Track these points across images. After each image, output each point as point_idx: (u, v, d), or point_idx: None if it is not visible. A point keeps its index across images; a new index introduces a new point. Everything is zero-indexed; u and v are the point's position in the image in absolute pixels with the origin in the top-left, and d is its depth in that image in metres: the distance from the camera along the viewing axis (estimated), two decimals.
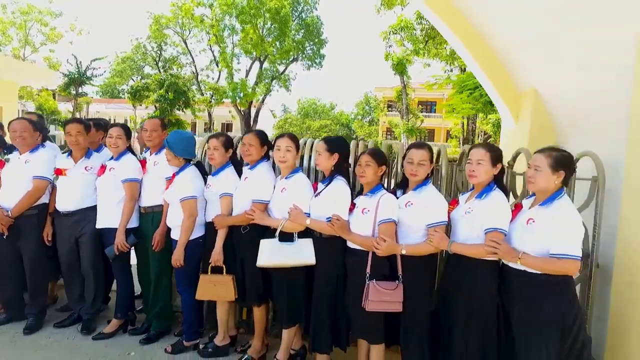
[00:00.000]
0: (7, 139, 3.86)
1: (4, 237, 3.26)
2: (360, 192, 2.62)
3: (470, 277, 2.24)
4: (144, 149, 3.79)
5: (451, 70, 14.96)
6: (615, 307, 2.58)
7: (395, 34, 14.21)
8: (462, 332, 2.25)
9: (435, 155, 2.64)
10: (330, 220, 2.50)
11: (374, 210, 2.43)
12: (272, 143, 2.85)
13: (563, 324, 2.03)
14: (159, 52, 34.81)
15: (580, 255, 1.98)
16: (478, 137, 18.69)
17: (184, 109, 23.18)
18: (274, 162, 2.97)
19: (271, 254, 2.61)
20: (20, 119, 3.44)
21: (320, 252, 2.59)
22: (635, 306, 2.41)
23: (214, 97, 29.33)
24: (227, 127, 40.46)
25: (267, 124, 43.61)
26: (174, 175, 3.11)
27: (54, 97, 29.42)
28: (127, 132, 3.37)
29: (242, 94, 29.47)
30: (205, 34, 31.86)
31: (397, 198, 2.50)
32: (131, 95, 24.61)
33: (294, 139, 2.79)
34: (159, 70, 33.90)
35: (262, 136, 2.92)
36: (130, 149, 3.39)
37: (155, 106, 25.16)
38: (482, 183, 2.30)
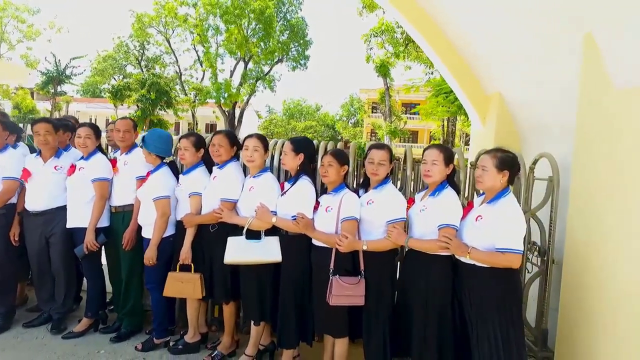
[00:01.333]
0: None
1: None
2: (325, 192, 2.72)
3: (426, 271, 2.36)
4: (113, 149, 3.82)
5: (432, 73, 15.22)
6: (565, 299, 2.73)
7: (376, 36, 14.41)
8: (421, 323, 2.36)
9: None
10: (295, 219, 2.58)
11: (337, 208, 2.52)
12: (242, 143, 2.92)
13: (508, 310, 2.16)
14: (141, 51, 34.37)
15: (522, 250, 2.12)
16: (460, 138, 19.04)
17: (166, 109, 22.97)
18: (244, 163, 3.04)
19: (238, 251, 2.68)
20: None
21: (287, 249, 2.67)
22: (582, 299, 2.56)
23: (197, 97, 29.13)
24: (211, 127, 40.17)
25: (252, 124, 43.47)
26: (148, 174, 3.16)
27: (32, 96, 28.79)
28: (96, 131, 3.39)
29: (226, 95, 29.35)
30: (189, 33, 31.64)
31: (360, 197, 2.60)
32: (112, 95, 24.25)
33: (262, 139, 2.86)
34: (142, 70, 33.47)
35: (231, 137, 2.98)
36: (100, 149, 3.42)
37: (137, 106, 24.91)
38: (436, 182, 2.41)
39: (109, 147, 4.10)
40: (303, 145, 2.72)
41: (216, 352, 3.01)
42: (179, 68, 33.07)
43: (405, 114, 31.43)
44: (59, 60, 20.54)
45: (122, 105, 25.57)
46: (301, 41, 32.71)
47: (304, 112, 52.76)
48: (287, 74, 55.53)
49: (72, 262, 3.45)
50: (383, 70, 21.71)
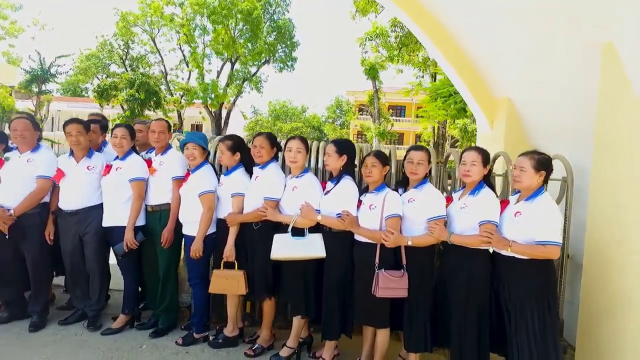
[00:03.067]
0: None
1: (6, 236, 3.28)
2: (365, 190, 2.88)
3: (467, 264, 2.55)
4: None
5: (422, 77, 15.59)
6: (585, 295, 2.93)
7: (371, 40, 14.71)
8: (460, 314, 2.55)
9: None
10: (340, 216, 2.74)
11: (381, 206, 2.69)
12: (284, 145, 3.06)
13: (545, 299, 2.37)
14: (126, 50, 33.82)
15: (561, 242, 2.33)
16: (447, 141, 19.47)
17: (155, 110, 22.68)
18: (282, 163, 3.18)
19: (285, 248, 2.82)
20: (20, 118, 3.47)
21: (330, 245, 2.82)
22: (603, 294, 2.76)
23: (184, 98, 28.88)
24: (197, 128, 39.81)
25: (237, 125, 43.24)
26: (188, 174, 3.27)
27: (11, 95, 27.95)
28: (132, 132, 3.47)
29: (213, 95, 29.21)
30: (175, 33, 31.33)
31: (400, 195, 2.78)
32: (98, 94, 23.80)
33: (304, 141, 3.02)
34: (126, 69, 32.93)
35: (271, 138, 3.12)
36: (134, 149, 3.50)
37: (122, 106, 24.45)
38: (475, 182, 2.61)
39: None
40: (346, 147, 2.88)
41: (257, 345, 3.14)
42: (165, 68, 32.68)
43: (392, 116, 31.86)
44: (44, 58, 20.06)
45: (107, 104, 25.10)
46: (288, 42, 32.82)
47: (290, 113, 52.77)
48: (274, 75, 55.54)
49: (106, 260, 3.52)
50: (372, 73, 22.03)
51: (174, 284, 3.43)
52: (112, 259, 3.50)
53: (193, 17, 30.20)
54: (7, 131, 3.86)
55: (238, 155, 3.18)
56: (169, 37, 32.42)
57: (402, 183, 2.86)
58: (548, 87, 3.96)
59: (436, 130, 15.81)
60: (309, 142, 3.18)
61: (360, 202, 2.82)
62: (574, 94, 3.65)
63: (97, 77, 34.97)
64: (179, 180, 3.32)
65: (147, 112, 22.18)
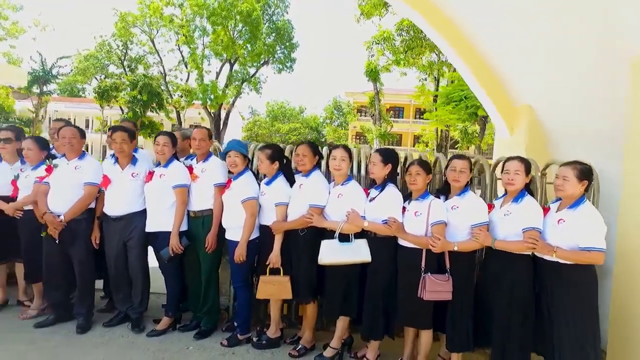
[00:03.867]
0: None
1: (56, 241, 3.38)
2: (408, 197, 3.01)
3: (510, 268, 2.68)
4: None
5: (425, 79, 15.78)
6: (616, 302, 3.05)
7: (378, 44, 14.91)
8: (504, 315, 2.68)
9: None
10: (386, 223, 2.86)
11: (426, 213, 2.82)
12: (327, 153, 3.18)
13: (588, 301, 2.52)
14: (124, 51, 33.73)
15: (605, 248, 2.47)
16: (448, 142, 19.68)
17: (158, 111, 22.70)
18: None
19: (332, 253, 2.94)
20: (69, 126, 3.56)
21: (375, 250, 2.94)
22: (634, 302, 2.90)
23: (184, 99, 28.87)
24: (195, 127, 39.75)
25: (236, 126, 43.24)
26: (229, 181, 3.38)
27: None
28: (174, 140, 3.58)
29: (212, 96, 29.23)
30: (174, 34, 31.31)
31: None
32: (98, 95, 23.76)
33: (348, 149, 3.14)
34: (124, 70, 32.88)
35: (314, 147, 3.25)
36: (175, 156, 3.60)
37: (120, 107, 24.32)
38: (517, 190, 2.75)
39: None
40: (391, 156, 3.01)
41: (300, 346, 3.26)
42: (164, 68, 32.66)
43: (391, 117, 32.06)
44: (45, 59, 20.01)
45: (108, 105, 25.07)
46: (287, 44, 32.90)
47: (287, 114, 52.81)
48: (272, 76, 55.62)
49: (147, 264, 3.63)
50: (373, 75, 22.21)
51: (215, 287, 3.55)
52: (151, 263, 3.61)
53: (193, 18, 30.22)
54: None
55: (277, 164, 3.29)
56: (167, 38, 32.42)
57: (444, 190, 2.99)
58: (569, 93, 4.12)
59: (439, 133, 16.05)
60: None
61: (404, 208, 2.95)
62: (595, 100, 3.82)
63: (96, 78, 34.85)
64: (221, 187, 3.43)
65: (149, 113, 22.18)
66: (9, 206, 3.58)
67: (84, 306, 3.55)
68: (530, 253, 2.70)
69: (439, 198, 2.95)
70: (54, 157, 3.66)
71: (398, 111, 38.96)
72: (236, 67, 31.62)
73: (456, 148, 20.76)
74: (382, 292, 2.96)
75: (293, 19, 59.01)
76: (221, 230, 3.42)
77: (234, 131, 42.50)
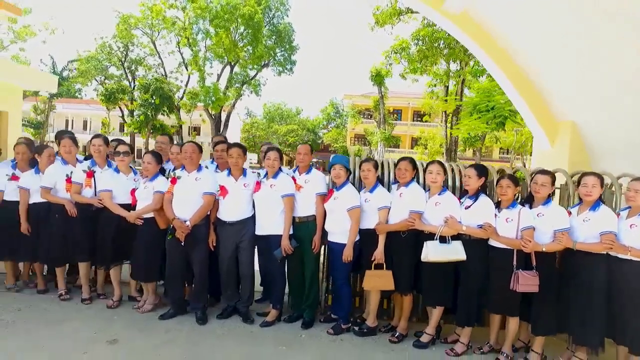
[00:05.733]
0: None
1: (182, 244, 3.84)
2: (497, 206, 3.56)
3: (589, 266, 3.25)
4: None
5: (435, 86, 16.47)
6: None
7: (396, 53, 15.60)
8: (584, 304, 3.24)
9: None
10: (481, 227, 3.41)
11: (517, 219, 3.37)
12: (424, 167, 3.72)
13: None
14: (125, 53, 33.81)
15: None
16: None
17: (169, 114, 23.00)
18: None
19: (434, 252, 3.47)
20: (190, 142, 4.03)
21: (469, 250, 3.48)
22: None
23: (190, 101, 29.12)
24: (196, 130, 40.04)
25: (236, 128, 43.56)
26: (331, 191, 3.89)
27: None
28: (281, 154, 4.08)
29: (214, 98, 29.55)
30: (174, 36, 31.52)
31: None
32: (105, 98, 23.94)
33: (442, 165, 3.68)
34: (125, 71, 33.01)
35: (413, 162, 3.78)
36: (281, 169, 4.09)
37: (120, 108, 24.31)
38: (594, 200, 3.31)
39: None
40: (484, 171, 3.56)
41: (397, 333, 3.79)
42: (165, 70, 32.83)
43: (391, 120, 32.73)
44: (55, 62, 20.16)
45: (114, 108, 25.24)
46: (287, 46, 33.34)
47: (284, 115, 53.17)
48: (272, 79, 55.83)
49: (254, 263, 4.11)
50: (378, 79, 22.86)
51: (317, 284, 4.06)
52: None
53: (196, 20, 30.48)
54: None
55: (378, 174, 3.85)
56: (167, 40, 32.62)
57: (528, 200, 3.55)
58: (611, 109, 4.71)
59: (449, 137, 16.79)
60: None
61: (494, 215, 3.50)
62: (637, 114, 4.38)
63: (96, 79, 34.85)
64: (322, 196, 3.95)
65: (160, 116, 22.45)
66: (131, 214, 4.03)
67: (201, 301, 4.02)
68: (605, 252, 3.27)
69: (524, 206, 3.50)
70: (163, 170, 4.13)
71: (396, 114, 39.70)
72: (236, 69, 31.99)
73: (455, 151, 21.34)
74: (475, 286, 3.51)
75: (292, 21, 59.41)
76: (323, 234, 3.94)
77: (234, 133, 42.76)
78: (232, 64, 31.57)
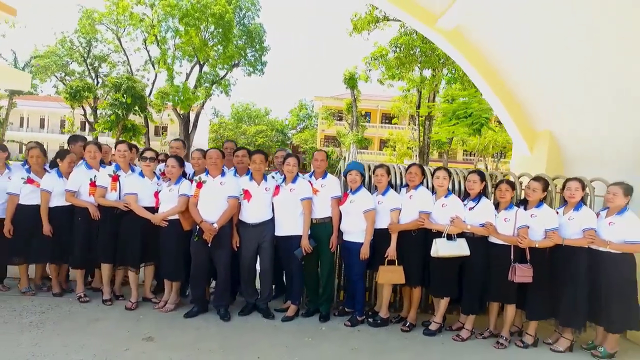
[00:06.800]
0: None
1: (208, 245, 4.06)
2: (495, 207, 4.05)
3: (574, 258, 3.78)
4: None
5: (408, 90, 17.22)
6: None
7: (375, 59, 16.20)
8: (570, 292, 3.77)
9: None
10: (483, 226, 3.89)
11: (513, 219, 3.87)
12: (432, 172, 4.15)
13: (630, 278, 3.67)
14: (87, 48, 32.54)
15: None
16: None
17: (140, 114, 22.45)
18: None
19: (443, 248, 3.91)
20: (214, 149, 4.26)
21: (473, 247, 3.94)
22: None
23: (159, 101, 28.47)
24: (164, 130, 39.10)
25: (205, 128, 42.90)
26: (345, 195, 4.25)
27: None
28: (299, 159, 4.39)
29: (183, 98, 29.07)
30: (141, 32, 30.72)
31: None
32: (70, 96, 23.04)
33: (449, 171, 4.13)
34: (87, 68, 31.81)
35: (422, 168, 4.20)
36: (298, 174, 4.40)
37: (83, 107, 23.18)
38: (577, 201, 3.86)
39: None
40: (484, 177, 4.05)
41: (408, 322, 4.20)
42: (131, 68, 31.88)
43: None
44: (16, 57, 19.20)
45: (79, 106, 24.33)
46: (258, 47, 33.31)
47: (253, 115, 52.88)
48: (242, 79, 55.16)
49: (273, 263, 4.39)
50: (351, 82, 23.46)
51: (333, 280, 4.40)
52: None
53: (165, 18, 29.83)
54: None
55: (389, 178, 4.26)
56: (133, 37, 31.71)
57: (523, 203, 4.06)
58: (583, 119, 5.30)
59: (423, 141, 17.62)
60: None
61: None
62: (612, 123, 4.95)
63: (56, 76, 33.32)
64: (338, 199, 4.30)
65: (131, 116, 21.90)
66: (157, 216, 4.20)
67: (224, 299, 4.25)
68: (587, 246, 3.82)
69: (520, 208, 4.01)
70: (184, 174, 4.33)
71: (365, 116, 40.56)
72: (206, 68, 31.61)
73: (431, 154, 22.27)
74: (478, 278, 3.97)
75: (263, 22, 59.00)
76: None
77: (203, 133, 42.12)
78: (202, 63, 31.15)
